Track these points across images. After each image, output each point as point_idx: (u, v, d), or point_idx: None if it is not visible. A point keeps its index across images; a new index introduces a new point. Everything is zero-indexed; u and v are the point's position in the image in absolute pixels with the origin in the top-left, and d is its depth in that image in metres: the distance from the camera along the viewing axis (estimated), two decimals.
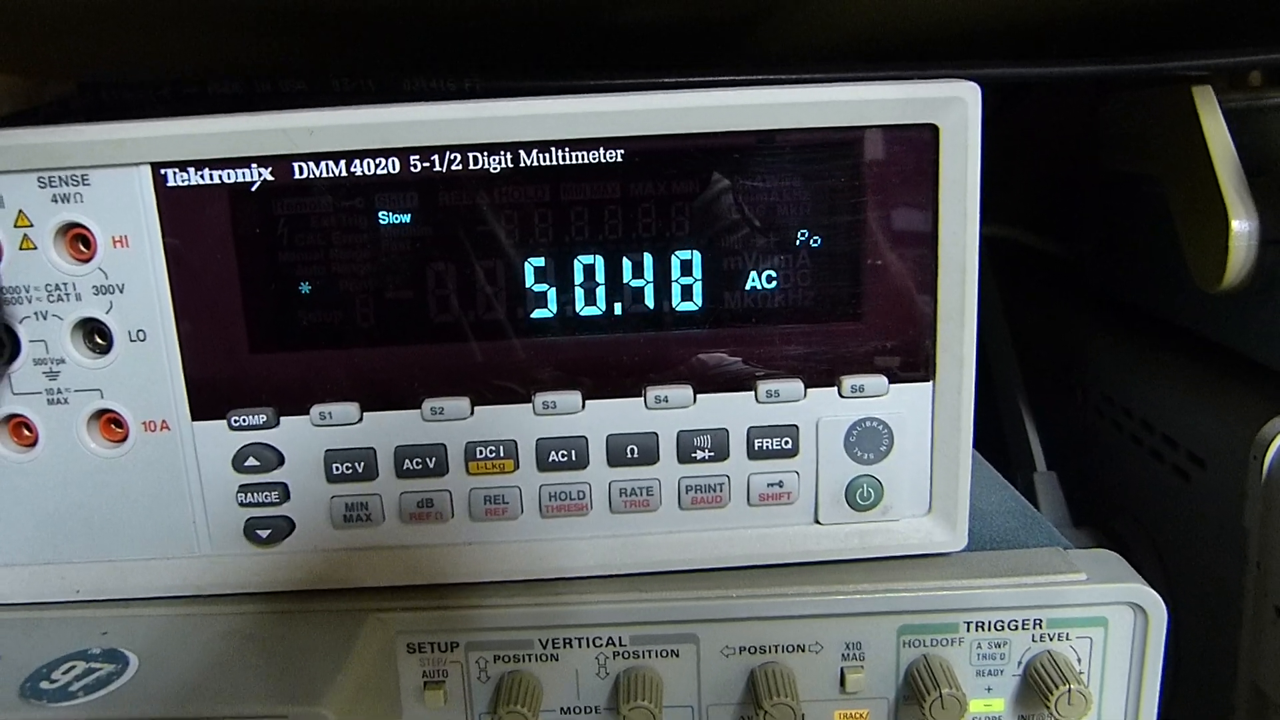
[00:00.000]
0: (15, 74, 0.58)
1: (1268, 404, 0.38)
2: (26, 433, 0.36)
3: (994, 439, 0.64)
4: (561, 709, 0.36)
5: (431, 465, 0.35)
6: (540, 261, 0.34)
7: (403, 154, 0.33)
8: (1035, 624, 0.35)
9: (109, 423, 0.35)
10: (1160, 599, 0.34)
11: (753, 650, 0.35)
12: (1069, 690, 0.34)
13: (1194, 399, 0.45)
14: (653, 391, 0.35)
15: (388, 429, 0.35)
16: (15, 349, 0.35)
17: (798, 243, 0.34)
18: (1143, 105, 0.44)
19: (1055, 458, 0.60)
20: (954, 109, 0.32)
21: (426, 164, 0.33)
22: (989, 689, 0.35)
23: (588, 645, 0.35)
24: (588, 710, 0.36)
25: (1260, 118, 0.39)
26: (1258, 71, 0.60)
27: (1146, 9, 0.43)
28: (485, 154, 0.33)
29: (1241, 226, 0.37)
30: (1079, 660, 0.35)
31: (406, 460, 0.35)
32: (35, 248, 0.34)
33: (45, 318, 0.34)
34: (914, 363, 0.35)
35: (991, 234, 0.64)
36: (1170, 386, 0.48)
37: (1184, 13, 0.44)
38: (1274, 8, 0.42)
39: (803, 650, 0.35)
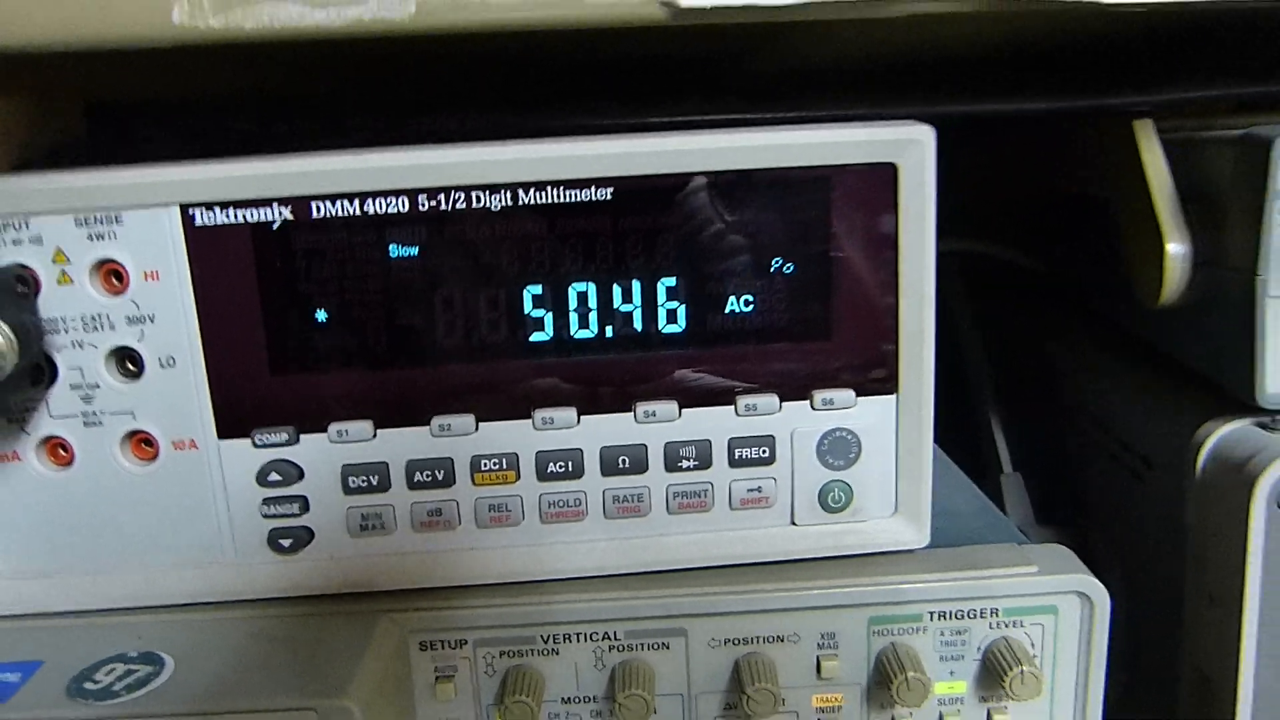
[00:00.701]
0: (15, 96, 0.60)
1: (1203, 409, 0.42)
2: (63, 453, 0.38)
3: (968, 443, 0.68)
4: (562, 699, 0.39)
5: (440, 477, 0.38)
6: (537, 289, 0.37)
7: (412, 193, 0.36)
8: (992, 613, 0.38)
9: (140, 442, 0.38)
10: (1103, 588, 0.38)
11: (736, 642, 0.39)
12: (1023, 672, 0.37)
13: (1143, 404, 0.49)
14: (642, 406, 0.38)
15: (399, 444, 0.38)
16: (53, 375, 0.38)
17: (772, 270, 0.37)
18: (1093, 135, 0.48)
19: (1023, 460, 0.64)
20: (911, 150, 0.36)
21: (434, 202, 0.36)
22: (951, 672, 0.39)
23: (585, 640, 0.39)
24: (586, 699, 0.39)
25: (1197, 149, 0.43)
26: None
27: (1096, 45, 0.47)
28: (487, 193, 0.36)
29: (1176, 249, 0.41)
30: (1032, 645, 0.38)
31: (417, 473, 0.38)
32: (72, 282, 0.37)
33: (81, 346, 0.37)
34: (879, 377, 0.38)
35: (966, 248, 0.67)
36: (1124, 392, 0.52)
37: (1126, 49, 0.47)
38: (1204, 46, 0.46)
39: (782, 641, 0.39)
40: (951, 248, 0.58)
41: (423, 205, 0.36)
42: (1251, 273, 0.37)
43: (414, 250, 0.37)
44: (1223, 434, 0.40)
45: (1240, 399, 0.40)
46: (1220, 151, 0.40)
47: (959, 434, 0.55)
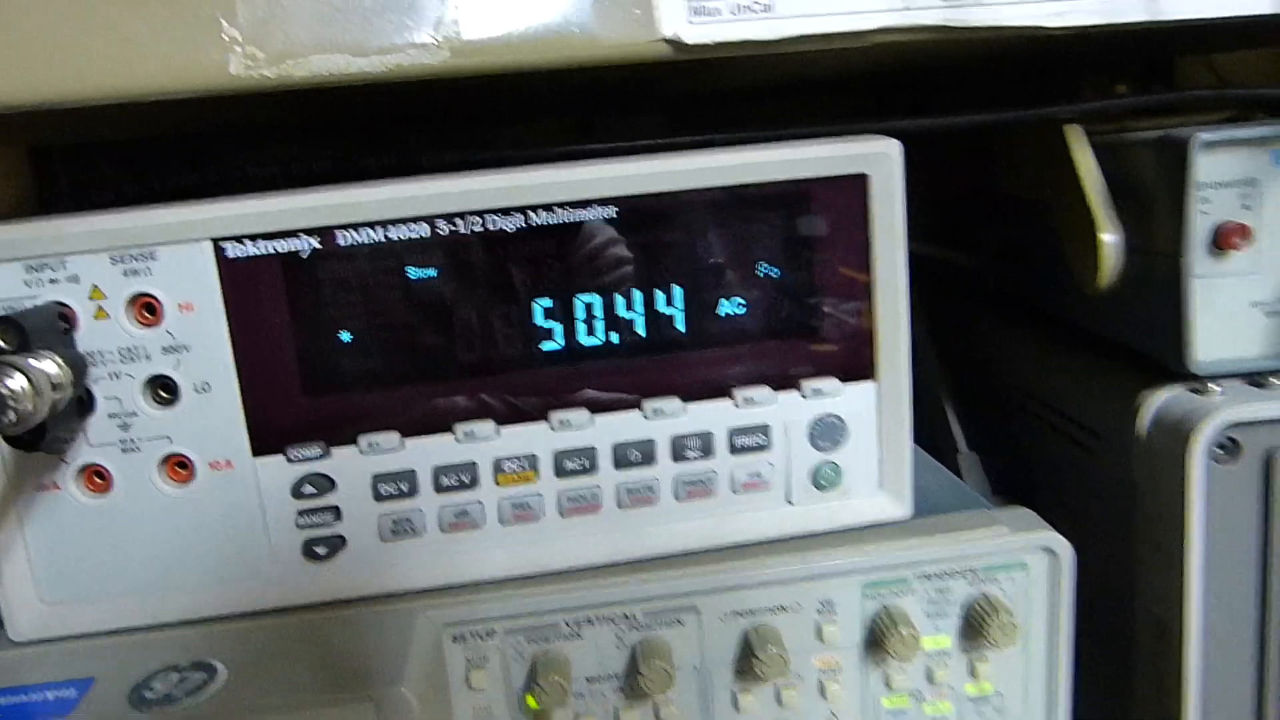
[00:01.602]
0: None
1: (1141, 381, 0.47)
2: (100, 480, 0.40)
3: (924, 427, 0.72)
4: (587, 678, 0.42)
5: (465, 481, 0.41)
6: (548, 302, 0.41)
7: (431, 220, 0.39)
8: (970, 572, 0.43)
9: (177, 465, 0.41)
10: (1067, 542, 0.42)
11: (744, 614, 0.42)
12: (1002, 623, 0.41)
13: (1085, 382, 0.54)
14: (649, 404, 0.42)
15: (426, 452, 0.41)
16: (92, 406, 0.40)
17: (761, 274, 0.41)
18: (1028, 141, 0.53)
19: (975, 440, 0.69)
20: (881, 162, 0.40)
21: (452, 227, 0.39)
22: (937, 628, 0.43)
23: (607, 622, 0.42)
24: (610, 677, 0.42)
25: (1123, 150, 0.48)
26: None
27: (1028, 56, 0.52)
28: (500, 216, 0.39)
29: (1111, 239, 0.46)
30: (1007, 598, 0.43)
31: (443, 478, 0.41)
32: (108, 317, 0.39)
33: (118, 377, 0.39)
34: (861, 367, 0.42)
35: (913, 250, 0.72)
36: (1067, 372, 0.57)
37: (1061, 61, 0.53)
38: (1122, 61, 0.51)
39: (785, 610, 0.42)
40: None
41: (442, 230, 0.39)
42: (1177, 256, 0.42)
43: (432, 272, 0.40)
44: (1161, 399, 0.45)
45: (1173, 368, 0.45)
46: (1143, 151, 0.45)
47: (917, 419, 0.60)
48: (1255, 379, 0.44)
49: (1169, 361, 0.45)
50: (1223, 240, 0.41)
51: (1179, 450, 0.42)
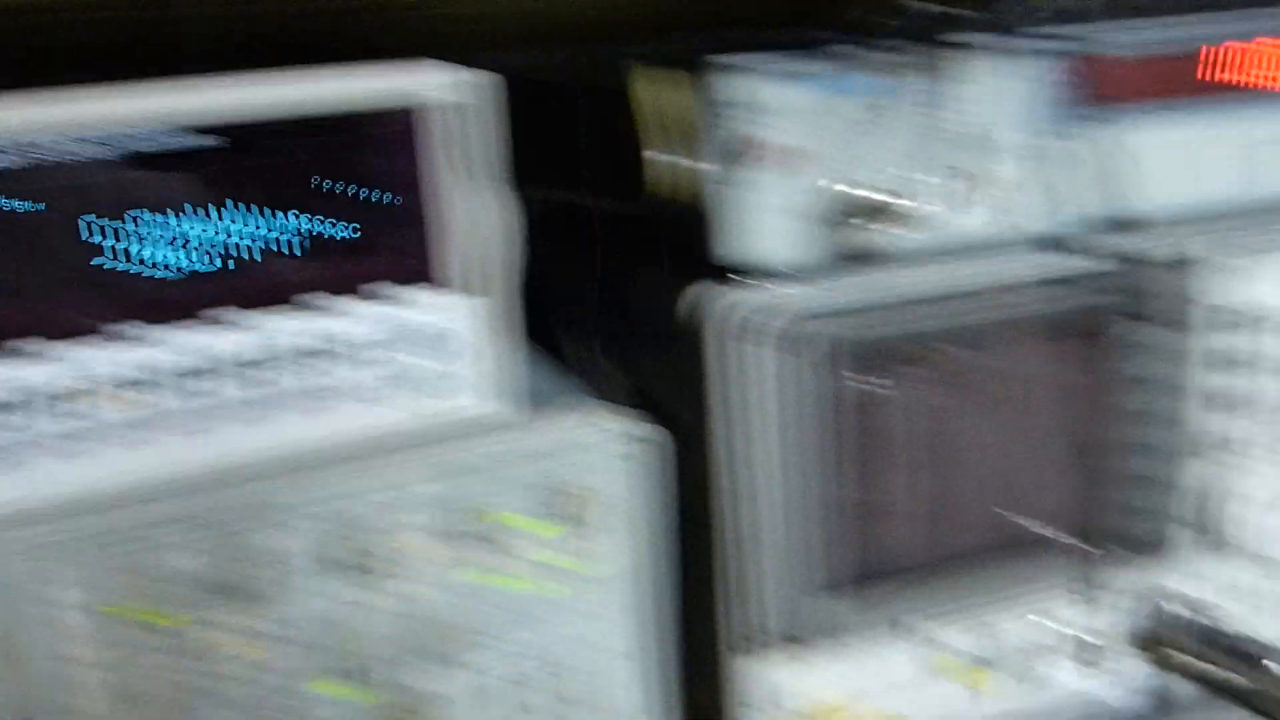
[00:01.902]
0: None
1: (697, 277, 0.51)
2: None
3: (566, 342, 0.76)
4: (189, 585, 0.41)
5: (24, 401, 0.40)
6: (106, 221, 0.40)
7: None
8: (574, 463, 0.46)
9: None
10: (660, 431, 0.47)
11: (345, 515, 0.43)
12: (598, 506, 0.46)
13: (664, 285, 0.58)
14: (224, 316, 0.42)
15: None
16: None
17: (337, 193, 0.43)
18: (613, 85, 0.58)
19: (610, 354, 0.73)
20: (452, 90, 0.43)
21: (31, 153, 0.38)
22: (545, 515, 0.46)
23: (198, 529, 0.41)
24: (193, 583, 0.42)
25: (670, 89, 0.53)
26: None
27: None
28: (62, 141, 0.38)
29: (661, 156, 0.51)
30: (610, 483, 0.47)
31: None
32: None
33: None
34: (459, 279, 0.45)
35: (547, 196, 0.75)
36: (652, 280, 0.61)
37: None
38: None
39: (396, 509, 0.44)
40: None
41: (23, 155, 0.38)
42: (705, 168, 0.48)
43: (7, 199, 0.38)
44: (704, 293, 0.50)
45: (719, 267, 0.50)
46: (689, 78, 0.51)
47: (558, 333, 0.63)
48: (779, 276, 0.50)
49: (719, 261, 0.50)
50: (745, 153, 0.48)
51: (715, 335, 0.48)
